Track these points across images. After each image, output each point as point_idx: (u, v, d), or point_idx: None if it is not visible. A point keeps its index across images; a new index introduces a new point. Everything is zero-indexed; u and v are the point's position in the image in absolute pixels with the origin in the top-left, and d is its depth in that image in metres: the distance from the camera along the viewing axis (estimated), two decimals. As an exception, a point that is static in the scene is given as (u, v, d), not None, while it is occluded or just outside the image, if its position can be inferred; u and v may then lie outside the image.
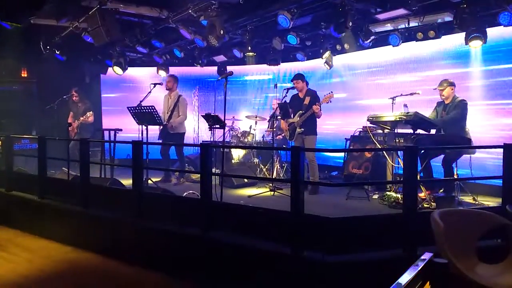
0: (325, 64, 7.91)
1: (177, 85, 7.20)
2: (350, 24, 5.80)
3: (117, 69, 8.70)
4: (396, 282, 1.57)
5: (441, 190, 5.32)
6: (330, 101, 6.18)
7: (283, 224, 3.68)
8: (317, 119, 6.31)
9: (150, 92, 6.67)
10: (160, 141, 7.06)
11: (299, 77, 6.44)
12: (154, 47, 8.06)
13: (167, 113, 7.04)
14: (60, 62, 8.40)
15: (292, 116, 6.53)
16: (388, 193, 5.42)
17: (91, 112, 7.71)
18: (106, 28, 5.97)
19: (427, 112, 5.56)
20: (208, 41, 6.40)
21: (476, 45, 5.84)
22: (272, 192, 6.12)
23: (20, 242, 5.42)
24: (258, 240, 3.78)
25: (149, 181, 6.27)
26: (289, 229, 3.59)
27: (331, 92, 6.17)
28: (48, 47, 8.00)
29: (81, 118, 7.66)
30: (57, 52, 8.03)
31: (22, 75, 9.49)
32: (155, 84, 6.75)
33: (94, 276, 4.27)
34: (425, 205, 4.85)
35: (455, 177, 5.42)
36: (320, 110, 6.15)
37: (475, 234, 2.81)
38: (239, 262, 3.84)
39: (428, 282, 1.80)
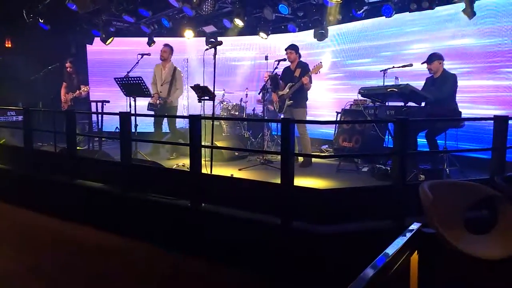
0: (315, 37, 7.81)
1: (171, 56, 7.01)
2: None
3: (105, 39, 8.45)
4: (384, 251, 1.57)
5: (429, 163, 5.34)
6: (319, 72, 6.15)
7: (273, 195, 3.68)
8: (307, 92, 6.25)
9: (137, 62, 6.51)
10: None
11: (293, 47, 6.33)
12: (141, 16, 7.82)
13: (161, 85, 6.83)
14: (45, 32, 8.12)
15: (283, 88, 6.45)
16: (378, 165, 5.43)
17: (86, 86, 7.45)
18: (90, -6, 5.76)
19: (419, 84, 5.51)
20: (199, 10, 6.19)
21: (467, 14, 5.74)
22: (263, 165, 6.10)
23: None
24: (248, 211, 3.78)
25: (138, 153, 6.20)
26: (279, 201, 3.59)
27: (320, 62, 6.11)
28: (31, 15, 7.71)
29: (77, 92, 7.35)
30: (40, 20, 7.75)
31: (6, 45, 9.19)
32: (142, 55, 6.58)
33: (86, 249, 4.25)
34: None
35: (443, 149, 5.44)
36: (311, 82, 6.10)
37: (463, 205, 2.83)
38: (229, 233, 3.84)
39: (416, 251, 1.81)
